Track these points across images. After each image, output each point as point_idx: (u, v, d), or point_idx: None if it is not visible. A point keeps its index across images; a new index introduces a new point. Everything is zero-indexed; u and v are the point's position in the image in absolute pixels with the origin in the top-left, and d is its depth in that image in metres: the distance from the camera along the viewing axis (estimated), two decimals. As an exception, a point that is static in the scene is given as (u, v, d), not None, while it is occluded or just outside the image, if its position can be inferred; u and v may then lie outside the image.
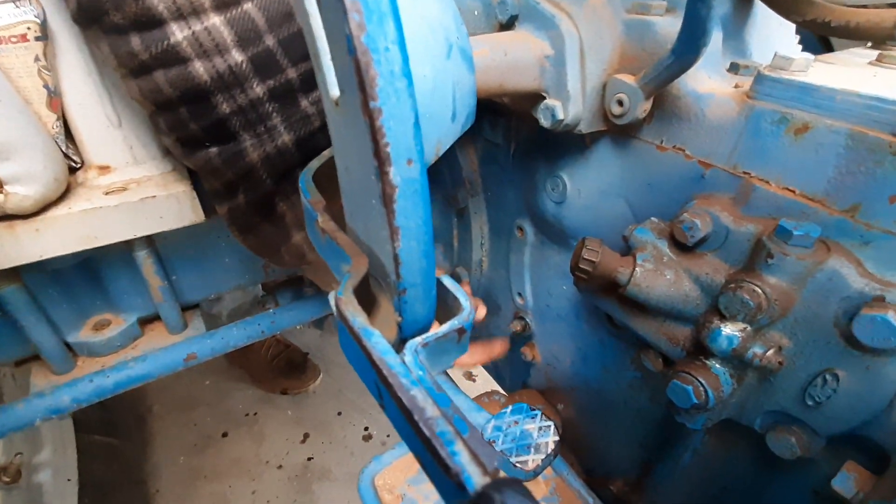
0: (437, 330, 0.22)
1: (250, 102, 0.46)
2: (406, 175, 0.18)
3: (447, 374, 0.40)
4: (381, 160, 0.17)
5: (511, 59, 0.40)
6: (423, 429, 0.15)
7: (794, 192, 0.33)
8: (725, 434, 0.42)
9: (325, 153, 0.35)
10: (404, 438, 0.18)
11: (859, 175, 0.29)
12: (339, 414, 1.54)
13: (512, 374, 0.75)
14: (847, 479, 0.31)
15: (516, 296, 0.66)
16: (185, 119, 0.46)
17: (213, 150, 0.48)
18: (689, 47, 0.31)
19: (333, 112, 0.19)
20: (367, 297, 0.22)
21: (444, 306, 0.25)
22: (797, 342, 0.32)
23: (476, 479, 0.14)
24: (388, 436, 1.48)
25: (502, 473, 0.14)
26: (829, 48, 0.86)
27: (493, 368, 0.81)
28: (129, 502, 1.27)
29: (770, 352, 0.33)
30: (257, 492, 1.32)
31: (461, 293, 0.25)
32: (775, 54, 0.33)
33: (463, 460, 0.15)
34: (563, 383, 0.63)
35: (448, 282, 0.26)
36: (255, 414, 1.52)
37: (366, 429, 1.50)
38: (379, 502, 0.50)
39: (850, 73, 0.35)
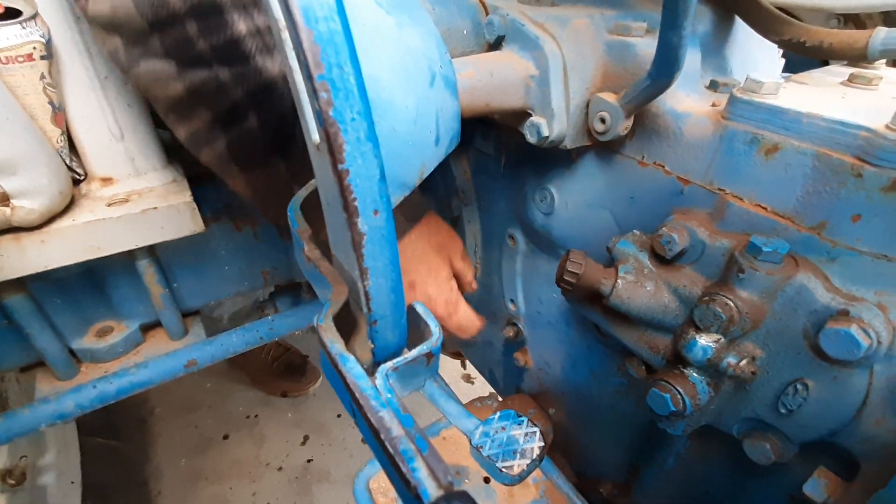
0: (406, 355, 0.24)
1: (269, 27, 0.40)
2: (373, 224, 0.20)
3: (443, 379, 0.41)
4: (349, 212, 0.19)
5: (497, 79, 0.41)
6: (388, 447, 0.17)
7: (765, 209, 0.34)
8: (707, 440, 0.44)
9: (312, 183, 0.36)
10: (374, 453, 0.20)
11: (825, 194, 0.31)
12: (339, 416, 1.56)
13: (505, 379, 0.76)
14: (818, 485, 0.33)
15: (509, 302, 0.68)
16: (192, 37, 0.42)
17: (222, 69, 0.43)
18: (663, 72, 0.33)
19: (315, 154, 0.21)
20: (348, 320, 0.24)
21: (417, 331, 0.27)
22: (769, 353, 0.34)
23: (431, 491, 0.16)
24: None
25: (455, 487, 0.16)
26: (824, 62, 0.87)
27: (489, 373, 0.82)
28: (132, 504, 1.29)
29: (743, 362, 0.34)
30: (258, 493, 1.33)
31: (431, 320, 0.27)
32: (747, 77, 0.34)
33: (421, 475, 0.16)
34: (554, 388, 0.65)
35: (420, 308, 0.27)
36: (256, 416, 1.54)
37: (365, 431, 1.51)
38: (371, 500, 0.51)
39: (820, 94, 0.36)
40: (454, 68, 0.38)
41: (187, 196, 0.60)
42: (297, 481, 1.37)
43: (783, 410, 0.34)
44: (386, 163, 0.22)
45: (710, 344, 0.34)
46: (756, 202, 0.35)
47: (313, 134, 0.18)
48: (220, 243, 0.71)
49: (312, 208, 0.31)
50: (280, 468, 1.40)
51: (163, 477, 1.37)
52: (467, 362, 0.98)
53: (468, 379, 1.65)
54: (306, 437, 1.49)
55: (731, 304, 0.33)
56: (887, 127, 0.29)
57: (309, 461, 1.42)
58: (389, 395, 0.21)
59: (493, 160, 0.61)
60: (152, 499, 1.32)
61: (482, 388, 1.68)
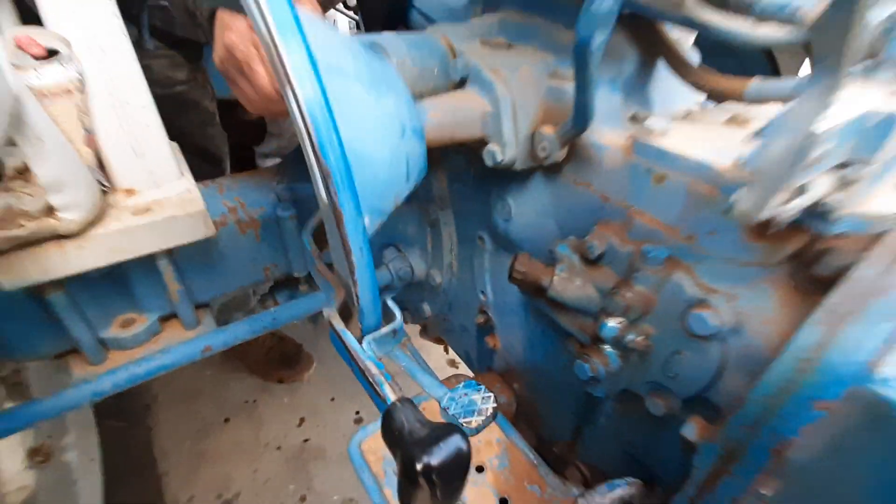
0: (381, 330, 0.35)
1: None
2: (357, 245, 0.30)
3: (422, 359, 0.51)
4: (346, 251, 0.29)
5: (460, 115, 0.52)
6: (370, 380, 0.28)
7: (658, 223, 0.45)
8: (626, 402, 0.55)
9: (319, 215, 0.47)
10: (364, 387, 0.31)
11: (693, 214, 0.42)
12: (332, 400, 1.67)
13: (479, 360, 0.88)
14: (692, 428, 0.44)
15: (480, 294, 0.79)
16: None
17: None
18: (578, 122, 0.44)
19: (322, 204, 0.31)
20: (346, 309, 0.34)
21: (388, 315, 0.38)
22: (658, 331, 0.45)
23: (391, 397, 0.27)
24: (375, 417, 1.61)
25: (406, 396, 0.27)
26: (776, 71, 0.99)
27: (465, 355, 0.93)
28: (142, 483, 1.40)
29: (640, 338, 0.45)
30: (258, 471, 1.44)
31: (397, 309, 0.38)
32: (643, 125, 0.45)
33: (386, 390, 0.27)
34: (517, 366, 0.76)
35: (390, 303, 0.39)
36: (255, 401, 1.64)
37: (356, 413, 1.63)
38: (364, 461, 0.62)
39: (703, 133, 0.47)
40: (423, 113, 0.48)
41: (201, 205, 0.70)
42: (294, 459, 1.48)
43: (670, 374, 0.46)
44: (369, 199, 0.32)
45: (616, 325, 0.46)
46: (652, 217, 0.46)
47: (321, 194, 0.28)
48: (226, 244, 0.81)
49: (319, 235, 0.42)
50: (279, 448, 1.51)
51: (169, 458, 1.47)
52: (450, 349, 1.10)
53: (452, 364, 1.77)
54: (302, 419, 1.60)
55: (630, 296, 0.44)
56: (733, 165, 0.40)
57: (305, 441, 1.53)
58: (371, 353, 0.32)
59: (465, 172, 0.72)
60: (160, 478, 1.42)
61: (464, 370, 1.81)
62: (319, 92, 0.29)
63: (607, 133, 0.51)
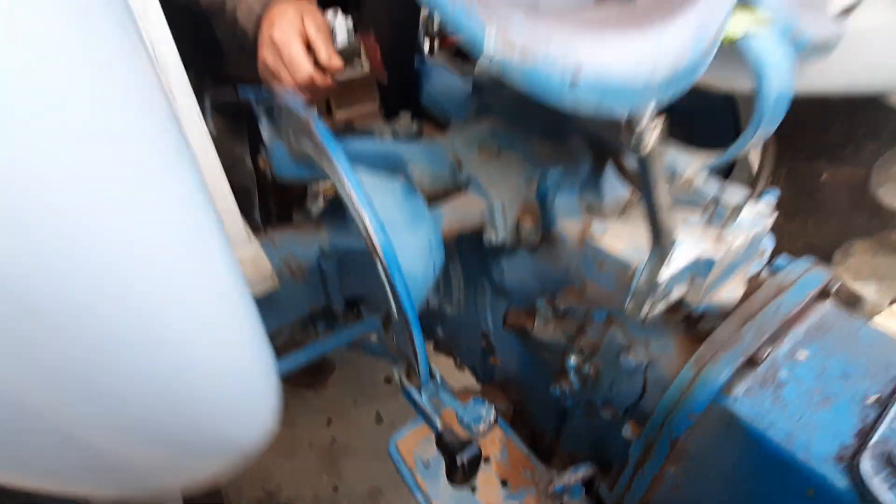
0: (432, 385, 0.57)
1: None
2: (417, 342, 0.52)
3: (446, 382, 0.73)
4: (410, 339, 0.51)
5: (466, 215, 0.73)
6: (428, 414, 0.50)
7: (602, 293, 0.67)
8: (588, 410, 0.78)
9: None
10: (421, 417, 0.53)
11: (622, 290, 0.64)
12: (354, 401, 1.90)
13: (482, 372, 1.10)
14: (627, 429, 0.67)
15: (483, 323, 1.01)
16: None
17: None
18: (546, 221, 0.66)
19: (391, 300, 0.53)
20: (409, 371, 0.56)
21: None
22: (604, 365, 0.67)
23: (440, 427, 0.49)
24: (395, 418, 1.84)
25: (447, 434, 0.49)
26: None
27: (472, 368, 1.16)
28: (196, 478, 1.63)
29: (592, 370, 0.68)
30: (295, 465, 1.68)
31: (437, 373, 0.60)
32: (591, 232, 0.67)
33: (437, 423, 0.49)
34: (513, 379, 0.99)
35: (435, 370, 0.61)
36: (287, 405, 1.87)
37: (377, 413, 1.86)
38: (400, 455, 0.85)
39: (629, 232, 0.69)
40: (440, 217, 0.70)
41: (269, 266, 0.92)
42: (325, 455, 1.72)
43: (613, 393, 0.68)
44: (414, 297, 0.53)
45: (575, 361, 0.68)
46: (598, 288, 0.68)
47: (393, 310, 0.50)
48: (281, 289, 1.03)
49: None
50: (311, 444, 1.74)
51: (217, 456, 1.70)
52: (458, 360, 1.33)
53: (460, 367, 1.99)
54: (329, 420, 1.83)
55: (584, 341, 0.66)
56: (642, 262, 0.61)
57: (334, 439, 1.77)
58: (427, 399, 0.54)
59: (469, 243, 0.93)
60: (211, 474, 1.66)
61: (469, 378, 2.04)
62: (388, 246, 0.50)
63: (568, 224, 0.72)
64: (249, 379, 0.35)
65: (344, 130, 1.11)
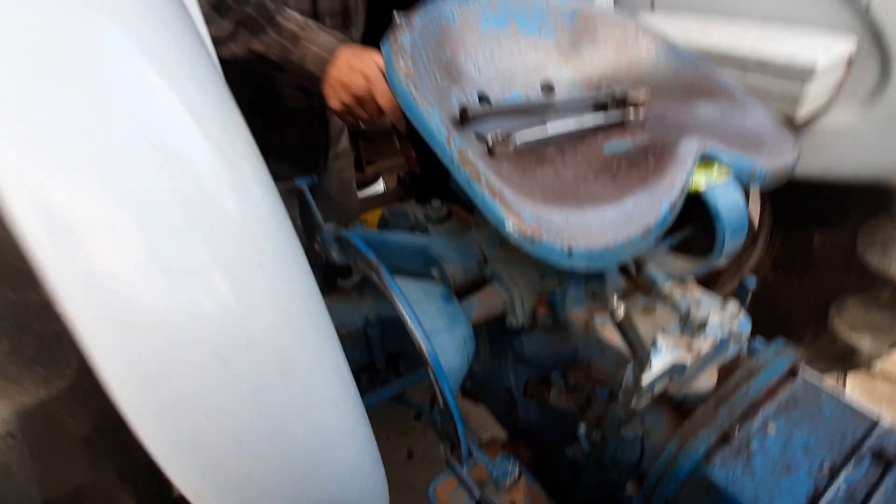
0: (470, 461, 0.72)
1: None
2: (458, 425, 0.68)
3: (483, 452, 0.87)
4: (452, 424, 0.67)
5: (491, 305, 0.90)
6: (468, 483, 0.65)
7: (604, 373, 0.82)
8: (599, 467, 0.92)
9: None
10: (465, 489, 0.69)
11: (617, 371, 0.79)
12: (388, 438, 2.05)
13: (506, 422, 1.25)
14: (629, 487, 0.81)
15: (506, 380, 1.16)
16: None
17: None
18: (557, 311, 0.81)
19: (439, 401, 0.69)
20: (453, 448, 0.72)
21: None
22: (608, 434, 0.82)
23: (477, 494, 0.64)
24: (425, 453, 1.98)
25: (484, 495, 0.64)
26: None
27: (497, 417, 1.31)
28: None
29: (599, 436, 0.82)
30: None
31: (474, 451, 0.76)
32: (594, 321, 0.82)
33: (475, 490, 0.65)
34: (533, 430, 1.13)
35: (473, 447, 0.77)
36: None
37: (409, 448, 2.00)
38: (438, 500, 1.00)
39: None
40: (471, 308, 0.86)
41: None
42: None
43: (616, 457, 0.82)
44: (452, 383, 0.69)
45: (583, 429, 0.83)
46: (601, 369, 0.83)
47: (439, 398, 0.66)
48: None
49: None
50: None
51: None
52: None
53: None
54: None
55: (590, 412, 0.81)
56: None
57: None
58: (467, 472, 0.70)
59: (493, 321, 1.09)
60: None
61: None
62: (434, 354, 0.67)
63: (575, 312, 0.88)
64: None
65: (383, 222, 1.30)
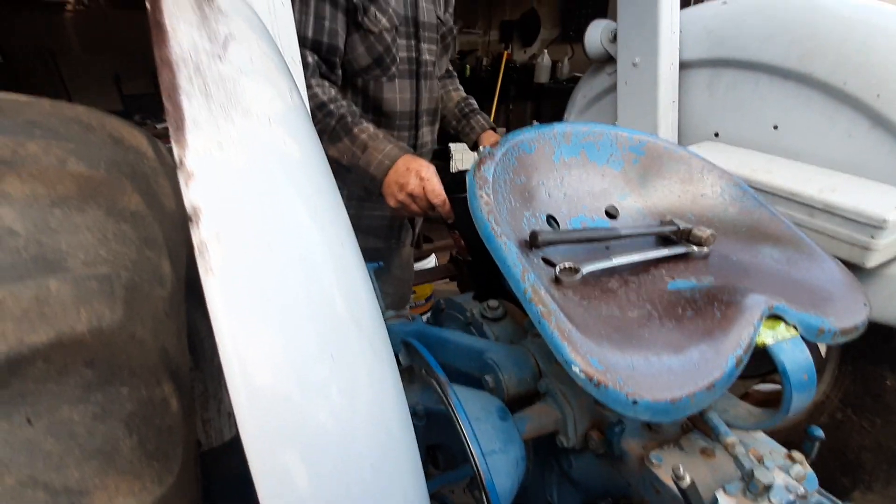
0: None
1: None
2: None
3: None
4: None
5: (544, 421, 0.90)
6: None
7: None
8: None
9: None
10: None
11: None
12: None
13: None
14: None
15: (549, 495, 1.13)
16: None
17: None
18: (612, 441, 0.81)
19: None
20: None
21: None
22: None
23: None
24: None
25: None
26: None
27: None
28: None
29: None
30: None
31: None
32: (650, 458, 0.81)
33: None
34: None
35: None
36: None
37: None
38: None
39: (684, 461, 0.82)
40: (523, 423, 0.87)
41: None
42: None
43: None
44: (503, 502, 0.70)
45: None
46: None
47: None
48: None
49: None
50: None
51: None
52: None
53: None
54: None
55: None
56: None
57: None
58: None
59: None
60: None
61: None
62: (489, 475, 0.68)
63: (631, 443, 0.87)
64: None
65: (438, 310, 1.35)
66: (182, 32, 0.37)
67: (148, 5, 0.39)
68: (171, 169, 0.83)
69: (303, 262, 0.39)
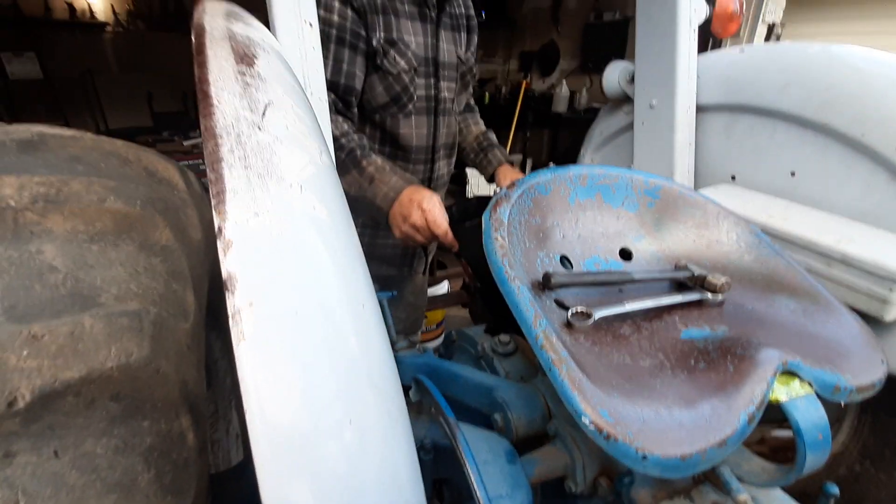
0: None
1: None
2: None
3: None
4: None
5: (552, 465, 0.89)
6: None
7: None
8: None
9: None
10: None
11: None
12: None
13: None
14: None
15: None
16: None
17: None
18: (621, 489, 0.80)
19: None
20: None
21: None
22: None
23: None
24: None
25: None
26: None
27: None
28: None
29: None
30: None
31: None
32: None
33: None
34: None
35: None
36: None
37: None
38: None
39: None
40: (532, 466, 0.86)
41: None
42: None
43: None
44: None
45: None
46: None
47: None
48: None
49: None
50: None
51: None
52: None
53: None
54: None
55: None
56: None
57: None
58: None
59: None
60: None
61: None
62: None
63: (641, 492, 0.85)
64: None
65: (449, 341, 1.36)
66: (226, 103, 0.40)
67: (196, 74, 0.42)
68: (199, 198, 0.87)
69: (325, 321, 0.41)
